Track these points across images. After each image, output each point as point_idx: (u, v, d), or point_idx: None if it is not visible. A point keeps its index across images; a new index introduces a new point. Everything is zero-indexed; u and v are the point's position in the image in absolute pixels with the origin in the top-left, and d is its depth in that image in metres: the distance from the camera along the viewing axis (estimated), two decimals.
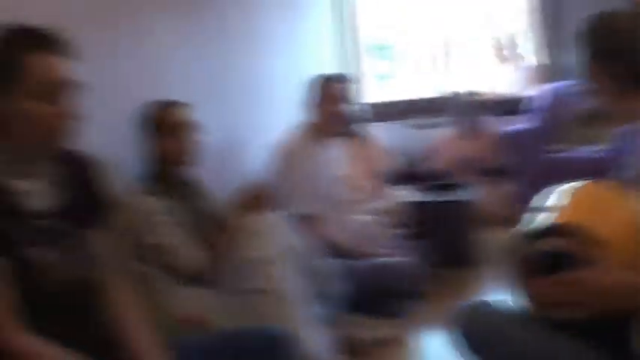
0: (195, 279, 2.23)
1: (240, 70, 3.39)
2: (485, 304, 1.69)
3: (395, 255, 3.06)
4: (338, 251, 2.77)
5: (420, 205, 3.76)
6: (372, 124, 4.75)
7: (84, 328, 1.61)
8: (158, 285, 2.26)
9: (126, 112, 2.41)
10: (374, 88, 5.52)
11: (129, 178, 2.36)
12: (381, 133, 4.80)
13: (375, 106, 5.05)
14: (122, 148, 2.40)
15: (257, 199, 2.18)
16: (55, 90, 1.53)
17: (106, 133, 1.75)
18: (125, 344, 1.66)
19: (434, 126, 5.10)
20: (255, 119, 3.51)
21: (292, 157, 3.06)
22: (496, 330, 1.60)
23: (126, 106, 2.43)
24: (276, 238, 2.12)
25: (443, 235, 3.58)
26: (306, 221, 2.79)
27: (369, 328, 2.64)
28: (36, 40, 1.53)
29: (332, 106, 3.14)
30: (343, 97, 3.19)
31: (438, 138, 4.98)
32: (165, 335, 1.80)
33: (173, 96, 2.47)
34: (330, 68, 4.09)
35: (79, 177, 1.72)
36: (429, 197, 3.91)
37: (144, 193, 2.30)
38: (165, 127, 2.37)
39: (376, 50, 5.72)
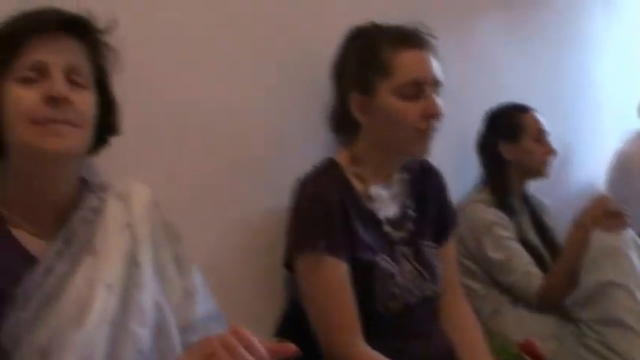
0: (535, 302, 2.02)
1: (570, 73, 3.11)
2: None
3: None
4: None
5: None
6: None
7: (421, 343, 1.55)
8: (491, 305, 2.11)
9: (459, 116, 2.22)
10: None
11: (466, 187, 2.23)
12: None
13: None
14: (458, 154, 2.28)
15: (609, 214, 1.90)
16: (421, 88, 1.51)
17: (445, 140, 1.67)
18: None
19: None
20: (587, 125, 3.19)
21: (634, 167, 2.71)
22: None
23: (457, 110, 2.31)
24: (635, 260, 1.84)
25: None
26: None
27: None
28: (406, 38, 1.52)
29: None
30: None
31: None
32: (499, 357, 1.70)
33: (504, 100, 2.30)
34: None
35: (425, 186, 1.68)
36: None
37: (483, 203, 2.14)
38: (526, 133, 2.19)
39: None
